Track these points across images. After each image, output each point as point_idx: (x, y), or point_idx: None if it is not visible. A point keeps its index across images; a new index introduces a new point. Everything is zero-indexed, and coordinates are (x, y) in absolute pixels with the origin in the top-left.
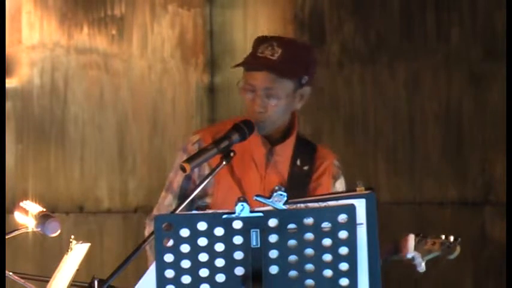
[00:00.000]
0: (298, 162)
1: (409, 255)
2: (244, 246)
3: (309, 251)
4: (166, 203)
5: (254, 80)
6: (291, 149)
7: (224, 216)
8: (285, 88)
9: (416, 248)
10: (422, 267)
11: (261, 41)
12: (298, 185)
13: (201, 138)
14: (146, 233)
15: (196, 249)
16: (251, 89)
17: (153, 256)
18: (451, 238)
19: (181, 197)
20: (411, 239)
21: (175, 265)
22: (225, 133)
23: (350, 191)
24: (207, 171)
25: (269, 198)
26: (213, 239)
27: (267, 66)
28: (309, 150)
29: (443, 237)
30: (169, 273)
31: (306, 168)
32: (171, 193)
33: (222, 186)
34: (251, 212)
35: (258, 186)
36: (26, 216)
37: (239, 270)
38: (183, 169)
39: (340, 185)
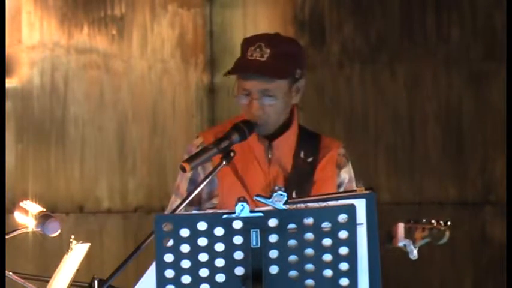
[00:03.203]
0: (302, 155)
1: (401, 244)
2: (244, 246)
3: (309, 251)
4: (175, 206)
5: (247, 85)
6: (292, 141)
7: (224, 216)
8: (281, 87)
9: (407, 236)
10: (414, 254)
11: (248, 42)
12: (302, 177)
13: (204, 140)
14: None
15: (196, 249)
16: (246, 93)
17: None
18: (441, 223)
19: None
20: (401, 227)
21: (175, 265)
22: (225, 133)
23: (350, 191)
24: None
25: (269, 198)
26: (213, 239)
27: (258, 69)
28: (313, 141)
29: (434, 222)
30: (169, 273)
31: (310, 160)
32: (180, 197)
33: (227, 187)
34: (251, 212)
35: (262, 183)
36: (26, 216)
37: (239, 270)
38: (183, 169)
39: (345, 174)
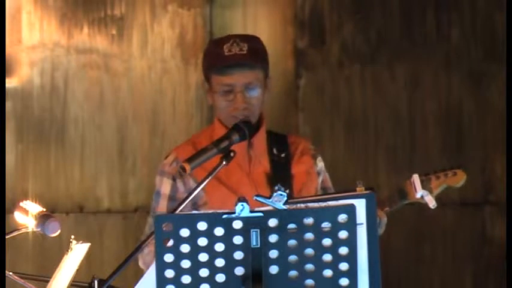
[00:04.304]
0: (275, 151)
1: (418, 195)
2: (244, 246)
3: (309, 251)
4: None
5: (231, 79)
6: (264, 140)
7: (224, 216)
8: (260, 78)
9: (423, 187)
10: (434, 203)
11: (220, 42)
12: (280, 172)
13: (177, 156)
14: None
15: (196, 249)
16: (228, 90)
17: (142, 260)
18: (454, 169)
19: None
20: (416, 179)
21: (175, 265)
22: (225, 133)
23: (350, 191)
24: (192, 185)
25: (269, 198)
26: (213, 239)
27: (244, 61)
28: (281, 139)
29: (447, 169)
30: (169, 273)
31: (283, 155)
32: None
33: (214, 194)
34: (251, 212)
35: (246, 183)
36: (26, 216)
37: (239, 270)
38: (183, 169)
39: (321, 162)
